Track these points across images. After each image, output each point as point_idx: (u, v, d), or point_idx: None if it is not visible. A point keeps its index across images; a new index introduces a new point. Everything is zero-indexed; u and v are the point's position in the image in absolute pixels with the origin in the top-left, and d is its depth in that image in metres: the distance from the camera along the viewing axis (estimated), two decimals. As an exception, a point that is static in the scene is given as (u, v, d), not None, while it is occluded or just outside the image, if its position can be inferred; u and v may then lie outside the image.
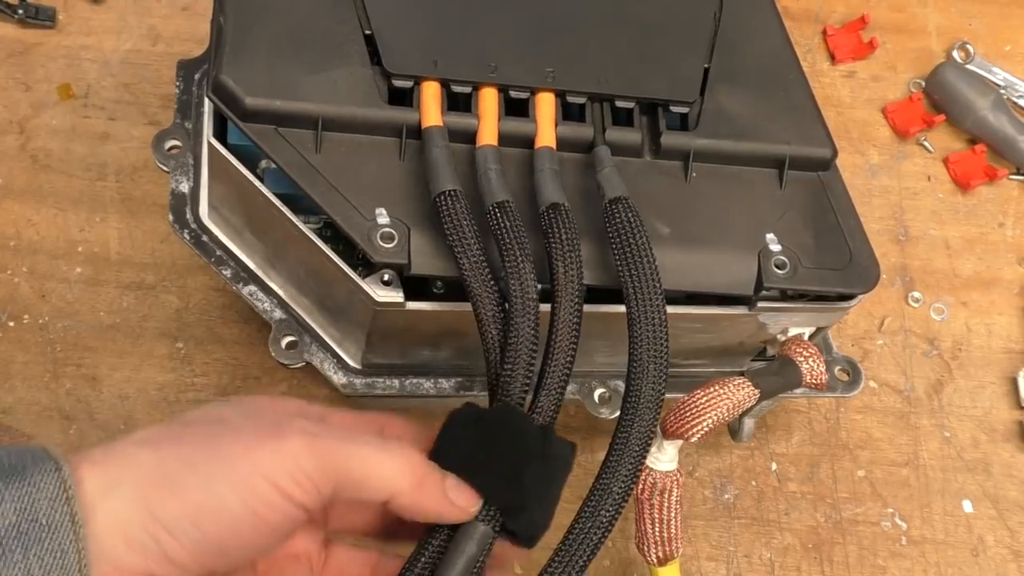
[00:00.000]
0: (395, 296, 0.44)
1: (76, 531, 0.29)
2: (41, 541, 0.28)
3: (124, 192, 0.62)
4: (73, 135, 0.64)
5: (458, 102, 0.47)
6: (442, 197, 0.43)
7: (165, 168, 0.53)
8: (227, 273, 0.52)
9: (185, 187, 0.53)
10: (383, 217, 0.44)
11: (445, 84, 0.47)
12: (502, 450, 0.37)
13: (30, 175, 0.62)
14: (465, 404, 0.40)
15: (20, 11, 0.66)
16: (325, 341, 0.51)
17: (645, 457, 0.41)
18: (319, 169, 0.45)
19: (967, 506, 0.62)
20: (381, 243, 0.43)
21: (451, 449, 0.38)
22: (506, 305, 0.41)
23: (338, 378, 0.51)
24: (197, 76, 0.56)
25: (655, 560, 0.47)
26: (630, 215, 0.43)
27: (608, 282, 0.45)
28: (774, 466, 0.61)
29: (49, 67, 0.66)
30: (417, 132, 0.46)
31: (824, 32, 0.76)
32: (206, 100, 0.48)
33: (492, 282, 0.41)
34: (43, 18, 0.66)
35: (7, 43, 0.66)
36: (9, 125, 0.63)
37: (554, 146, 0.46)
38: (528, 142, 0.47)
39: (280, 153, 0.45)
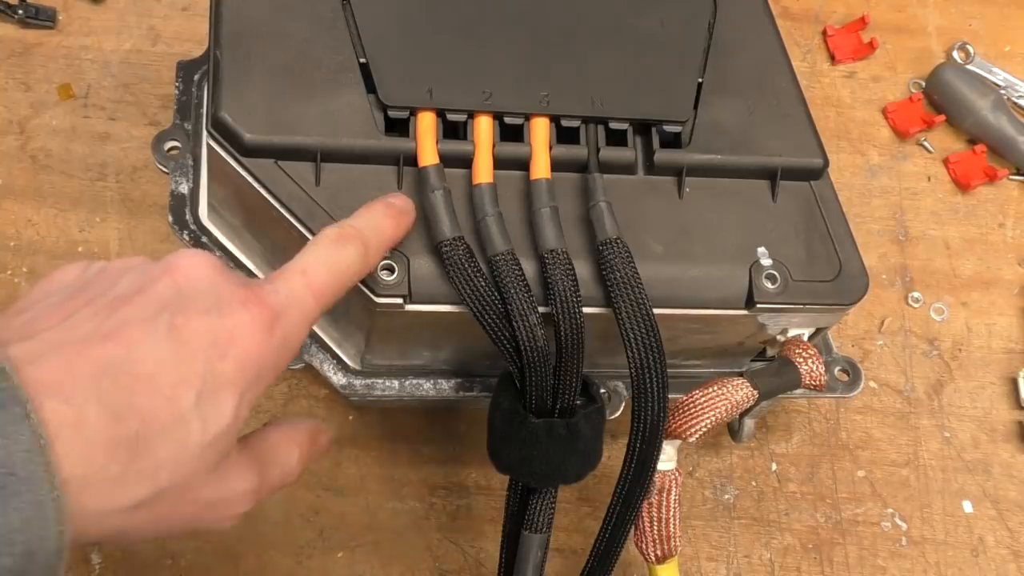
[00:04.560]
0: (394, 297, 0.45)
1: (51, 481, 0.29)
2: (19, 495, 0.28)
3: (124, 192, 0.62)
4: (73, 135, 0.64)
5: (455, 129, 0.47)
6: (445, 246, 0.44)
7: (165, 169, 0.53)
8: (227, 274, 0.52)
9: (185, 188, 0.53)
10: None
11: (440, 113, 0.47)
12: (541, 454, 0.45)
13: (30, 175, 0.62)
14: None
15: (20, 11, 0.66)
16: (325, 342, 0.51)
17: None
18: (319, 202, 0.45)
19: (967, 506, 0.62)
20: (382, 276, 0.44)
21: (505, 457, 0.46)
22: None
23: (338, 379, 0.51)
24: (197, 77, 0.56)
25: (654, 558, 0.47)
26: (620, 259, 0.45)
27: (607, 304, 0.45)
28: (774, 466, 0.61)
29: (49, 67, 0.66)
30: (414, 160, 0.46)
31: (824, 32, 0.76)
32: (205, 101, 0.48)
33: (506, 321, 0.43)
34: (43, 18, 0.66)
35: (7, 43, 0.66)
36: (9, 125, 0.64)
37: (549, 175, 0.46)
38: (523, 164, 0.47)
39: (280, 187, 0.45)
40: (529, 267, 0.44)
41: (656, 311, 0.45)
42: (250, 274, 0.52)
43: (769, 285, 0.47)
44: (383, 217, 0.42)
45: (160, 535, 0.34)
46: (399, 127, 0.47)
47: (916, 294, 0.68)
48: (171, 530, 0.34)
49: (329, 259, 0.38)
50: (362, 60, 0.48)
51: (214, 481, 0.34)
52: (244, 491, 0.36)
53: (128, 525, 0.32)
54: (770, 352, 0.54)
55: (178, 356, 0.32)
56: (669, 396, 0.45)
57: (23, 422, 0.29)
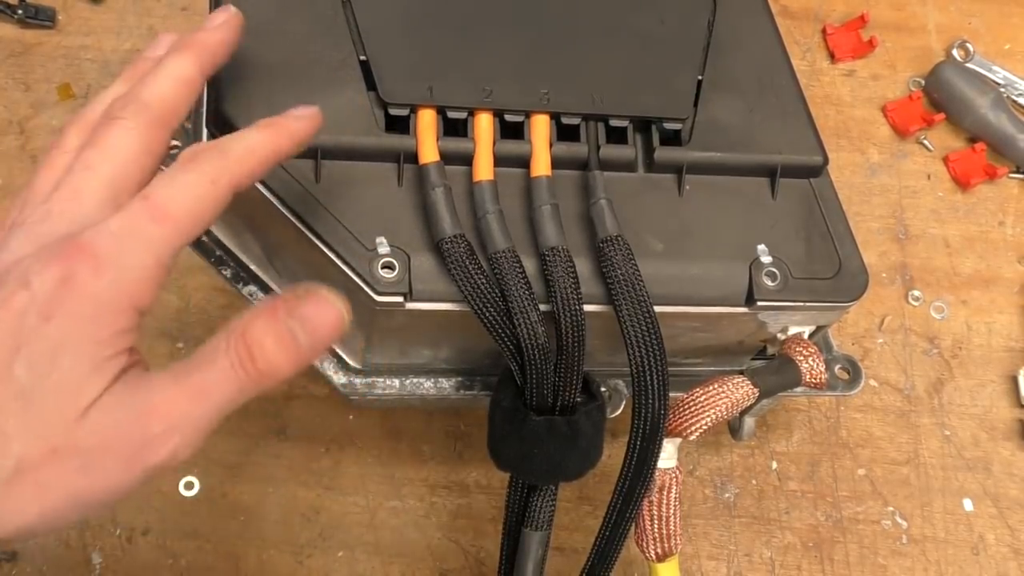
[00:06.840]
0: (395, 296, 0.45)
1: None
2: None
3: (124, 192, 0.62)
4: (73, 135, 0.64)
5: (455, 126, 0.47)
6: (445, 243, 0.44)
7: (165, 168, 0.53)
8: (227, 273, 0.52)
9: (185, 187, 0.53)
10: (383, 247, 0.44)
11: (441, 111, 0.47)
12: (541, 451, 0.45)
13: (30, 176, 0.62)
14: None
15: (20, 11, 0.66)
16: (325, 340, 0.51)
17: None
18: (319, 199, 0.45)
19: (967, 504, 0.62)
20: (382, 274, 0.44)
21: (506, 454, 0.46)
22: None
23: (338, 378, 0.51)
24: (196, 76, 0.56)
25: (654, 556, 0.47)
26: (620, 257, 0.45)
27: (607, 301, 0.45)
28: (774, 465, 0.61)
29: (49, 67, 0.66)
30: (414, 158, 0.46)
31: (824, 31, 0.76)
32: (205, 98, 0.48)
33: (506, 317, 0.43)
34: (43, 18, 0.66)
35: (7, 43, 0.66)
36: (9, 125, 0.64)
37: (550, 172, 0.46)
38: (524, 162, 0.47)
39: (280, 184, 0.45)
40: (530, 264, 0.44)
41: (656, 309, 0.45)
42: (250, 275, 0.52)
43: (769, 282, 0.47)
44: (255, 129, 0.39)
45: (87, 489, 0.32)
46: (399, 124, 0.47)
47: (916, 292, 0.68)
48: (95, 482, 0.32)
49: (179, 177, 0.37)
50: (362, 57, 0.48)
51: (99, 429, 0.32)
52: (152, 423, 0.33)
53: (26, 500, 0.31)
54: (770, 350, 0.54)
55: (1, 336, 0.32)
56: (670, 394, 0.45)
57: None
